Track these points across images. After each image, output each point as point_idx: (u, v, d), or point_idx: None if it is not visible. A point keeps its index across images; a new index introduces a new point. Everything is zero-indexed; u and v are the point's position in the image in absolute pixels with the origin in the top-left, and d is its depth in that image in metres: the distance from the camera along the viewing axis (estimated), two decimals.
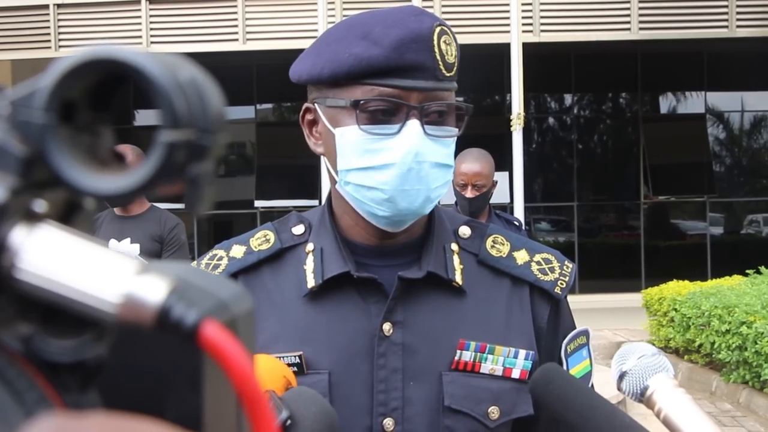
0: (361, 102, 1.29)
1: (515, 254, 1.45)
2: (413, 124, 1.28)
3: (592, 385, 1.46)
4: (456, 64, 1.33)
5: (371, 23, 1.30)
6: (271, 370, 1.22)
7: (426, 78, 1.28)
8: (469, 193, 4.47)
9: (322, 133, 1.38)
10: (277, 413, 1.05)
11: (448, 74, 1.30)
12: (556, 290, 1.43)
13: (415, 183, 1.29)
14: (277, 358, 1.26)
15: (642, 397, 1.19)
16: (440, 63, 1.28)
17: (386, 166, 1.29)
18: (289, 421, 1.04)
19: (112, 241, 4.66)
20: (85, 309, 0.37)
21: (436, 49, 1.28)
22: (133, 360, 0.41)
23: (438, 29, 1.29)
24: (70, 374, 0.39)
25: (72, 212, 0.40)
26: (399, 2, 9.29)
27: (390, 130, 1.29)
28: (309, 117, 1.41)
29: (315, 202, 12.28)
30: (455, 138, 1.36)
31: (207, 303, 0.38)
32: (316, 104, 1.38)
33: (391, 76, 1.28)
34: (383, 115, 1.30)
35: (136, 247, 4.70)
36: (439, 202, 1.46)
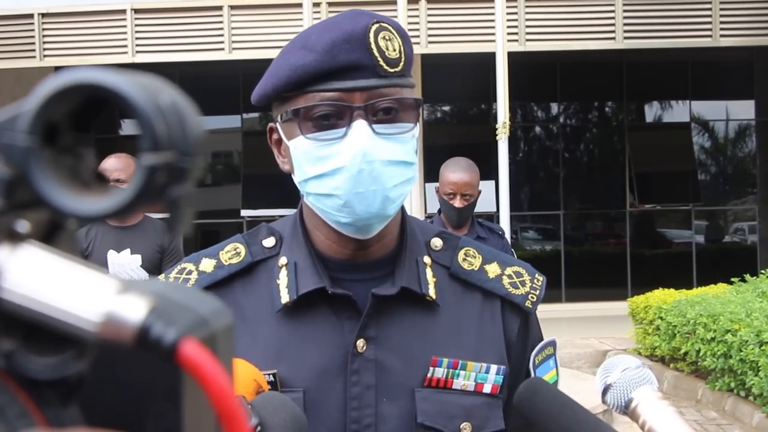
0: (302, 110, 1.28)
1: (487, 267, 1.44)
2: (359, 125, 1.26)
3: None
4: (403, 59, 1.31)
5: (310, 32, 1.30)
6: (241, 374, 1.22)
7: (366, 77, 1.26)
8: (458, 203, 4.45)
9: (285, 150, 1.37)
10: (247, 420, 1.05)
11: (392, 70, 1.28)
12: (526, 304, 1.43)
13: (369, 184, 1.27)
14: (247, 362, 1.25)
15: (626, 409, 1.19)
16: (380, 59, 1.26)
17: (336, 170, 1.27)
18: (259, 428, 1.04)
19: (111, 252, 4.58)
20: (66, 327, 0.38)
21: (373, 46, 1.26)
22: (113, 374, 0.41)
23: (375, 26, 1.27)
24: (51, 389, 0.40)
25: (54, 232, 0.41)
26: (380, 10, 9.31)
27: (336, 134, 1.27)
28: (275, 137, 1.40)
29: None
30: (414, 134, 1.33)
31: (186, 320, 0.38)
32: (276, 122, 1.37)
33: (330, 79, 1.26)
34: (328, 119, 1.28)
35: (138, 257, 4.62)
36: (407, 211, 1.46)
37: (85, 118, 0.39)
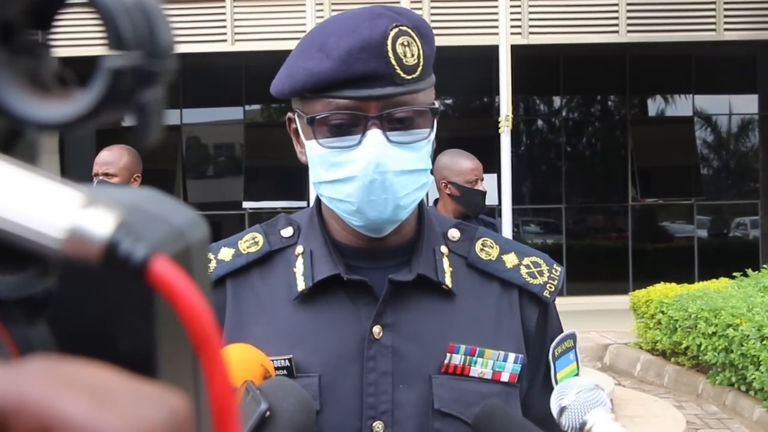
0: (317, 117, 1.28)
1: (504, 257, 1.44)
2: (373, 134, 1.26)
3: None
4: (421, 64, 1.29)
5: (328, 33, 1.29)
6: (248, 359, 1.21)
7: (383, 85, 1.25)
8: (482, 187, 4.35)
9: (303, 143, 1.38)
10: (256, 405, 1.04)
11: (409, 77, 1.27)
12: (544, 294, 1.43)
13: (381, 193, 1.28)
14: (253, 347, 1.25)
15: (581, 431, 1.21)
16: (397, 67, 1.25)
17: (349, 178, 1.28)
18: (268, 413, 1.03)
19: None
20: (27, 244, 0.35)
21: (391, 54, 1.25)
22: (83, 290, 0.39)
23: (394, 31, 1.26)
24: (17, 307, 0.38)
25: (13, 141, 0.38)
26: (386, 2, 9.27)
27: (350, 141, 1.28)
28: (293, 126, 1.41)
29: (303, 204, 12.25)
30: (429, 139, 1.33)
31: (158, 234, 0.36)
32: (295, 115, 1.38)
33: (346, 87, 1.26)
34: (343, 127, 1.28)
35: None
36: (425, 203, 1.46)
37: (45, 16, 0.37)
